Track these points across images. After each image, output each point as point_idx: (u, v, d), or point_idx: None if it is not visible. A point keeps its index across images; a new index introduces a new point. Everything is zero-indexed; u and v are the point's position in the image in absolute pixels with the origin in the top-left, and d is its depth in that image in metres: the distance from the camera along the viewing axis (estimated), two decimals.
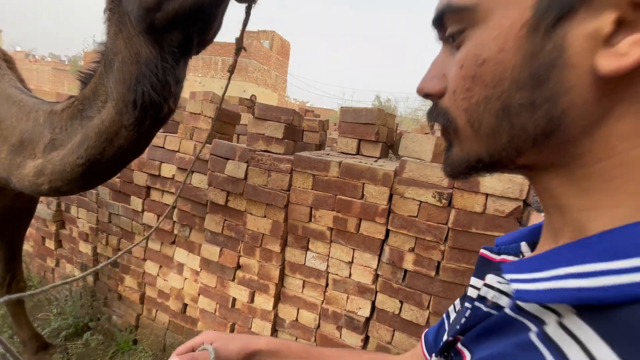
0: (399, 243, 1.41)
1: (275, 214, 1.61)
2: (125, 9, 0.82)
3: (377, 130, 1.63)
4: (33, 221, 2.64)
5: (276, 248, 1.63)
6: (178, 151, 1.88)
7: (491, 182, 1.22)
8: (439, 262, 1.36)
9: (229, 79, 1.24)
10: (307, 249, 1.62)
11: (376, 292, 1.50)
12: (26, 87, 1.43)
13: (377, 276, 1.51)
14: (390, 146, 1.94)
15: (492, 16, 0.24)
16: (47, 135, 1.01)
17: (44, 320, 2.25)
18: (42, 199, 2.56)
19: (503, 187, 1.20)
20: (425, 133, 2.47)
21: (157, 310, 2.11)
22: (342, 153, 1.74)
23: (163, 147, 1.93)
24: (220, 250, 1.77)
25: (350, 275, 1.55)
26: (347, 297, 1.56)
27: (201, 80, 21.70)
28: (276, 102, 24.12)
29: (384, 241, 1.48)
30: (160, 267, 2.06)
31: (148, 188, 2.02)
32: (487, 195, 1.24)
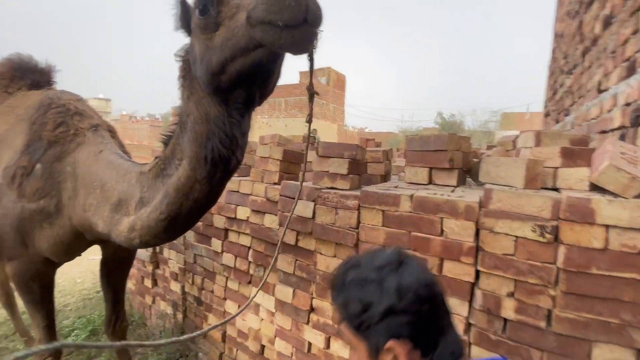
0: (493, 286, 1.21)
1: (345, 253, 1.55)
2: (195, 74, 0.92)
3: (450, 156, 1.49)
4: (135, 262, 3.02)
5: None
6: (251, 194, 1.98)
7: (612, 210, 0.97)
8: (549, 311, 1.11)
9: (309, 128, 1.31)
10: None
11: (470, 344, 1.28)
12: (125, 151, 1.67)
13: (469, 325, 1.30)
14: (467, 171, 1.76)
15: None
16: (137, 194, 1.14)
17: (143, 355, 2.48)
18: None
19: (630, 215, 0.95)
20: (507, 150, 2.20)
21: (237, 350, 2.15)
22: (412, 184, 1.62)
23: (238, 192, 2.06)
24: (293, 291, 1.75)
25: None
26: None
27: (267, 120, 23.63)
28: (335, 132, 24.80)
29: (474, 284, 1.28)
30: (239, 306, 2.13)
31: (226, 230, 2.16)
32: (607, 226, 0.99)
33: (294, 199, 1.72)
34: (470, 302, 1.29)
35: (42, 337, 1.73)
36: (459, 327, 1.30)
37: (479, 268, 1.24)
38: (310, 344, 1.70)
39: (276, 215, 1.83)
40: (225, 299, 2.20)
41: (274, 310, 1.88)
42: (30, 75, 1.82)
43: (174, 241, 2.58)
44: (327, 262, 1.60)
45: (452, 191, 1.44)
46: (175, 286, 2.58)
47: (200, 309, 2.38)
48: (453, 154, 1.51)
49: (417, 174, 1.59)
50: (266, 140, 2.78)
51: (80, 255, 1.78)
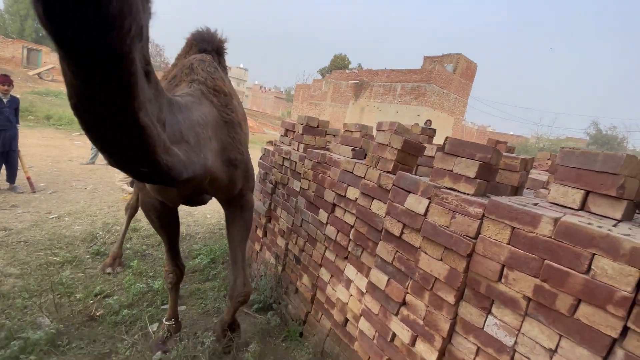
0: None
1: (454, 261, 1.46)
2: None
3: (622, 182, 1.19)
4: (258, 211, 3.51)
5: (449, 298, 1.47)
6: (364, 177, 2.03)
7: None
8: None
9: None
10: (489, 312, 1.36)
11: None
12: (220, 105, 1.75)
13: None
14: (638, 205, 1.38)
15: None
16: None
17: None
18: (260, 197, 3.39)
19: None
20: None
21: (322, 314, 2.34)
22: (556, 205, 1.38)
23: (352, 172, 2.14)
24: (388, 280, 1.76)
25: None
26: None
27: (379, 105, 23.13)
28: (451, 126, 22.58)
29: (615, 340, 1.05)
30: (332, 276, 2.28)
31: (334, 205, 2.30)
32: None
33: (408, 191, 1.69)
34: (605, 359, 1.06)
35: (166, 256, 2.12)
36: None
37: (630, 325, 1.00)
38: (394, 335, 1.72)
39: (384, 202, 1.84)
40: (321, 265, 2.39)
41: (364, 291, 1.94)
42: (202, 44, 2.14)
43: (288, 203, 2.89)
44: (431, 264, 1.54)
45: (614, 225, 1.16)
46: (280, 241, 2.93)
47: (298, 267, 2.65)
48: (626, 181, 1.20)
49: (566, 195, 1.34)
50: (384, 126, 2.76)
51: (184, 202, 1.97)
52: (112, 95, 0.71)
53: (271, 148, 3.37)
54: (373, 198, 1.95)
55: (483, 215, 1.38)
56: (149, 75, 0.93)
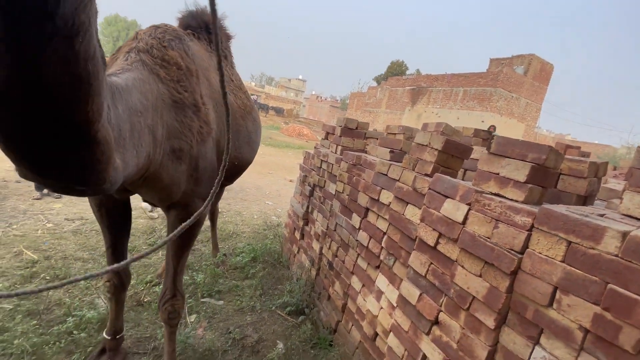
0: None
1: (495, 278, 1.25)
2: None
3: None
4: (291, 213, 3.53)
5: (489, 322, 1.26)
6: (398, 180, 1.89)
7: None
8: None
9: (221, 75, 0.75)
10: (537, 342, 1.13)
11: None
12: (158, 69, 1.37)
13: None
14: None
15: None
16: None
17: (280, 293, 2.94)
18: (299, 199, 3.39)
19: None
20: None
21: (352, 325, 2.22)
22: (630, 217, 1.10)
23: (386, 175, 2.01)
24: (420, 294, 1.59)
25: None
26: None
27: (438, 111, 21.96)
28: (521, 134, 20.42)
29: None
30: (363, 285, 2.16)
31: (367, 209, 2.18)
32: None
33: (445, 196, 1.51)
34: None
35: (107, 259, 1.76)
36: None
37: None
38: (425, 356, 1.54)
39: (419, 208, 1.68)
40: (352, 273, 2.28)
41: (395, 305, 1.79)
42: (186, 19, 1.93)
43: (324, 206, 2.85)
44: (469, 280, 1.35)
45: None
46: (316, 245, 2.89)
47: (331, 273, 2.58)
48: None
49: None
50: (429, 128, 2.57)
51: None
52: (59, 88, 0.49)
53: (312, 151, 3.37)
54: (407, 203, 1.79)
55: (532, 226, 1.16)
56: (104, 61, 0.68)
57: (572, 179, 1.53)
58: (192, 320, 2.46)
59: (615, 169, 2.91)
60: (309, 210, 3.15)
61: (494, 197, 1.31)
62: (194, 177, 1.52)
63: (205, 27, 1.91)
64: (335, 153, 2.81)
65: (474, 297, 1.33)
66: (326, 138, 3.21)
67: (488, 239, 1.29)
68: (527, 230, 1.17)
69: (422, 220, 1.62)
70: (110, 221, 1.66)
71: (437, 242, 1.53)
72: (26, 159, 0.60)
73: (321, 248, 2.78)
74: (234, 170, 2.20)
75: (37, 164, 0.61)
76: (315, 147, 3.33)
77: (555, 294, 1.07)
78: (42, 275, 2.65)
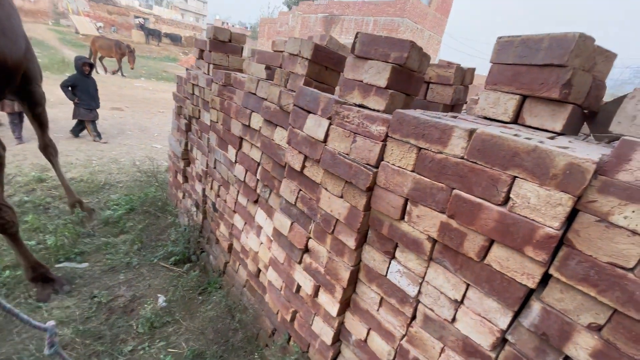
0: (567, 306, 0.71)
1: (354, 197, 1.13)
2: None
3: (568, 78, 0.85)
4: (171, 154, 3.03)
5: (350, 242, 1.17)
6: (266, 99, 1.59)
7: None
8: None
9: None
10: (393, 256, 1.09)
11: None
12: None
13: (503, 341, 0.86)
14: (588, 116, 1.07)
15: None
16: None
17: (164, 243, 2.60)
18: (176, 136, 2.88)
19: None
20: None
21: (239, 265, 2.07)
22: (485, 119, 1.04)
23: (255, 94, 1.68)
24: (291, 224, 1.45)
25: (454, 320, 0.95)
26: (442, 350, 0.99)
27: (350, 42, 21.58)
28: None
29: (532, 291, 0.80)
30: (245, 223, 1.96)
31: (241, 139, 1.87)
32: None
33: (308, 112, 1.28)
34: (517, 313, 0.82)
35: None
36: (487, 337, 0.87)
37: (553, 273, 0.74)
38: (299, 286, 1.46)
39: (287, 130, 1.44)
40: (235, 212, 2.05)
41: (271, 238, 1.64)
42: None
43: (201, 141, 2.44)
44: (331, 202, 1.22)
45: (552, 138, 0.85)
46: (198, 187, 2.53)
47: (216, 215, 2.31)
48: (575, 75, 0.86)
49: (497, 104, 0.99)
50: (314, 39, 2.24)
51: None
52: None
53: (185, 75, 2.76)
54: (276, 125, 1.54)
55: (387, 136, 1.02)
56: None
57: (439, 87, 1.45)
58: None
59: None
60: (189, 147, 2.70)
61: (353, 107, 1.12)
62: None
63: None
64: (207, 73, 2.31)
65: (337, 219, 1.21)
66: (201, 58, 2.63)
67: (347, 156, 1.13)
68: (382, 141, 1.03)
69: (288, 143, 1.40)
70: None
71: (303, 166, 1.34)
72: None
73: (204, 189, 2.44)
74: (8, 74, 1.67)
75: None
76: (186, 70, 2.73)
77: (407, 207, 0.99)
78: None
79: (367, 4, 20.57)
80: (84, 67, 4.60)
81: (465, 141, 0.84)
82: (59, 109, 5.95)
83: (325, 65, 1.55)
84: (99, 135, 4.87)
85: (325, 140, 1.21)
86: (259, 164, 1.71)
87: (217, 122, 2.13)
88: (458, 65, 1.40)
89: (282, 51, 2.27)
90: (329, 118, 1.19)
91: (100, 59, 11.22)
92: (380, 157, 1.05)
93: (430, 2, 20.85)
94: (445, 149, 0.88)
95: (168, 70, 14.79)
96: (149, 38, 23.57)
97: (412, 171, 0.96)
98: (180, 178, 2.85)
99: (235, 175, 1.96)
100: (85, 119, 4.71)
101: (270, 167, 1.61)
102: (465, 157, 0.85)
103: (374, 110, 1.14)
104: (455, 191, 0.87)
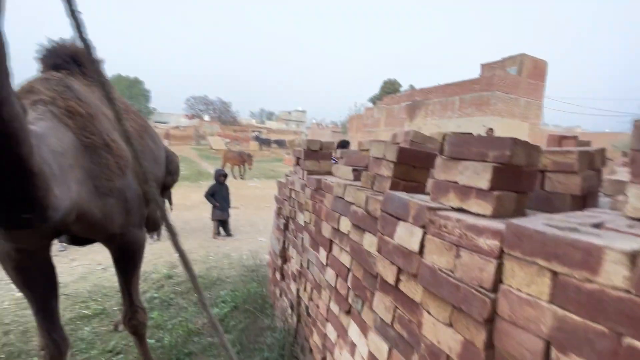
0: None
1: (468, 328, 0.89)
2: None
3: None
4: (271, 251, 3.21)
5: None
6: (353, 203, 1.57)
7: None
8: None
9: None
10: None
11: None
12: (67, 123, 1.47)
13: None
14: None
15: None
16: None
17: (260, 346, 2.55)
18: (276, 234, 3.07)
19: None
20: None
21: None
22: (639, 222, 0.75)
23: (343, 198, 1.69)
24: (389, 350, 1.22)
25: None
26: None
27: (437, 122, 21.78)
28: (526, 133, 19.90)
29: None
30: (338, 335, 1.77)
31: (330, 241, 1.85)
32: None
33: (398, 218, 1.18)
34: None
35: (38, 325, 1.64)
36: None
37: None
38: None
39: (376, 235, 1.34)
40: (327, 320, 1.90)
41: None
42: (51, 59, 1.79)
43: (296, 240, 2.52)
44: (437, 331, 0.98)
45: None
46: (293, 286, 2.52)
47: (309, 321, 2.19)
48: None
49: None
50: (398, 138, 2.27)
51: (40, 243, 1.55)
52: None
53: (284, 180, 3.09)
54: (364, 230, 1.46)
55: (501, 252, 0.82)
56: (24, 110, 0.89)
57: (560, 175, 1.19)
58: None
59: (625, 155, 2.51)
60: (286, 246, 2.82)
61: (450, 214, 0.98)
62: (125, 208, 1.65)
63: (73, 61, 1.84)
64: (302, 179, 2.52)
65: (447, 355, 0.96)
66: (297, 164, 2.94)
67: (451, 274, 0.94)
68: (496, 258, 0.82)
69: (378, 251, 1.28)
70: (36, 281, 1.60)
71: (397, 279, 1.18)
72: None
73: (298, 290, 2.41)
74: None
75: None
76: (286, 175, 3.06)
77: (549, 352, 0.71)
78: None
79: (450, 86, 21.10)
80: (220, 178, 5.74)
81: (626, 268, 0.59)
82: (190, 211, 7.32)
83: (412, 164, 1.49)
84: (228, 233, 5.73)
85: (421, 252, 1.06)
86: (349, 270, 1.61)
87: (309, 223, 2.20)
88: (582, 150, 1.15)
89: (367, 150, 2.35)
90: (423, 226, 1.06)
91: (230, 168, 14.05)
92: (498, 279, 0.83)
93: (520, 71, 20.11)
94: (597, 278, 0.63)
95: (275, 169, 17.25)
96: (262, 146, 28.75)
97: (550, 303, 0.71)
98: (277, 275, 2.93)
99: (326, 280, 1.88)
100: (220, 219, 5.65)
101: (360, 275, 1.48)
102: (632, 291, 0.58)
103: (477, 215, 0.97)
104: (627, 340, 0.58)
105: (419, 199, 1.15)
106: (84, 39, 0.95)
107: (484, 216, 0.96)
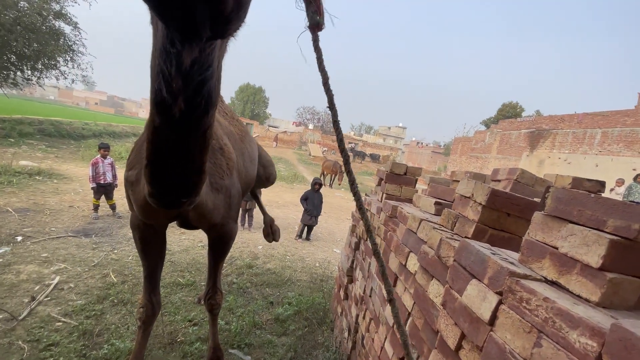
0: None
1: None
2: None
3: None
4: (340, 267, 3.18)
5: None
6: (426, 242, 1.43)
7: None
8: None
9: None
10: None
11: None
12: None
13: None
14: None
15: None
16: None
17: (315, 359, 2.54)
18: (347, 252, 3.03)
19: None
20: None
21: None
22: None
23: (416, 233, 1.56)
24: None
25: None
26: None
27: (567, 157, 18.11)
28: None
29: None
30: None
31: (396, 277, 1.72)
32: None
33: (472, 274, 1.02)
34: None
35: (143, 286, 1.95)
36: None
37: None
38: None
39: (444, 286, 1.18)
40: (379, 359, 1.76)
41: None
42: None
43: (364, 264, 2.44)
44: None
45: None
46: (354, 310, 2.44)
47: (362, 352, 2.08)
48: None
49: None
50: (500, 174, 1.99)
51: (164, 222, 1.82)
52: (193, 147, 0.90)
53: (364, 197, 3.04)
54: (432, 276, 1.30)
55: (599, 358, 0.61)
56: None
57: None
58: None
59: None
60: (354, 266, 2.76)
61: (538, 287, 0.78)
62: (228, 203, 1.84)
63: None
64: (380, 201, 2.43)
65: None
66: (379, 185, 2.86)
67: None
68: None
69: (443, 305, 1.12)
70: (152, 251, 1.90)
71: (459, 346, 1.00)
72: (167, 185, 0.99)
73: (357, 316, 2.32)
74: (245, 187, 2.36)
75: (171, 188, 1.00)
76: (365, 194, 3.00)
77: None
78: (110, 298, 3.00)
79: (590, 115, 17.26)
80: (316, 186, 6.07)
81: None
82: (280, 209, 7.91)
83: (506, 211, 1.27)
84: (307, 237, 6.02)
85: (492, 323, 0.88)
86: (409, 314, 1.46)
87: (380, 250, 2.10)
88: None
89: (459, 180, 2.11)
90: (500, 293, 0.88)
91: (325, 175, 14.72)
92: None
93: None
94: None
95: (364, 183, 17.20)
96: (355, 158, 29.12)
97: None
98: (342, 293, 2.89)
99: (385, 317, 1.75)
100: (308, 224, 5.97)
101: (421, 324, 1.33)
102: None
103: (579, 297, 0.75)
104: None
105: (501, 258, 0.96)
106: (323, 71, 1.03)
107: (587, 301, 0.74)
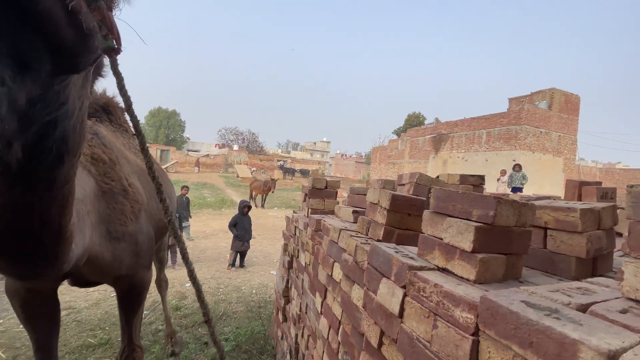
0: None
1: None
2: None
3: None
4: (275, 289, 3.12)
5: None
6: (345, 250, 1.52)
7: None
8: None
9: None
10: None
11: None
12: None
13: None
14: None
15: None
16: None
17: None
18: (281, 272, 3.01)
19: None
20: None
21: None
22: (637, 303, 0.65)
23: (337, 243, 1.64)
24: None
25: None
26: None
27: (463, 155, 21.28)
28: (560, 168, 18.91)
29: None
30: None
31: (325, 288, 1.77)
32: None
33: (382, 274, 1.12)
34: None
35: None
36: None
37: None
38: None
39: (363, 288, 1.27)
40: None
41: None
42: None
43: (298, 281, 2.45)
44: None
45: None
46: (293, 330, 2.41)
47: None
48: None
49: None
50: (404, 179, 2.22)
51: (49, 285, 1.58)
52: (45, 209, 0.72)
53: (291, 215, 3.08)
54: (354, 282, 1.39)
55: (477, 327, 0.73)
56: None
57: (563, 234, 1.08)
58: None
59: None
60: (289, 285, 2.74)
61: (429, 276, 0.91)
62: (135, 251, 1.66)
63: (102, 110, 2.04)
64: (306, 217, 2.49)
65: None
66: (304, 200, 2.94)
67: (428, 345, 0.85)
68: (472, 335, 0.74)
69: (364, 307, 1.20)
70: (40, 320, 1.59)
71: (380, 343, 1.09)
72: (9, 256, 0.79)
73: (296, 335, 2.30)
74: (160, 229, 2.18)
75: (17, 259, 0.81)
76: (293, 211, 3.05)
77: None
78: None
79: (476, 119, 20.79)
80: (244, 209, 5.83)
81: None
82: (209, 239, 7.42)
83: (407, 212, 1.43)
84: (242, 264, 5.72)
85: (401, 315, 0.98)
86: (340, 323, 1.52)
87: (309, 265, 2.14)
88: (586, 208, 1.05)
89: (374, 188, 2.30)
90: (404, 287, 0.99)
91: (253, 196, 14.28)
92: (475, 356, 0.73)
93: (551, 105, 19.51)
94: None
95: (296, 199, 17.35)
96: (286, 175, 29.24)
97: None
98: (280, 316, 2.83)
99: (320, 329, 1.78)
100: (239, 250, 5.66)
101: (349, 330, 1.39)
102: None
103: (462, 278, 0.89)
104: None
105: (403, 255, 1.08)
106: (125, 96, 1.07)
107: (467, 280, 0.88)
